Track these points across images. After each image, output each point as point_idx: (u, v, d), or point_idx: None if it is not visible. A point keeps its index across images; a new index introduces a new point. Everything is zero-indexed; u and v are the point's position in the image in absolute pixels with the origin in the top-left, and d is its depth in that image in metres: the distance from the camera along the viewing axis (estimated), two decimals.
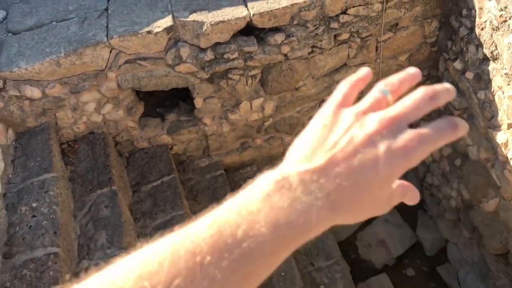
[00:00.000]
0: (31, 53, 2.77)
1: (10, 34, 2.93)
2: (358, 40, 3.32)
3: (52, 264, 2.37)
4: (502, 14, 2.77)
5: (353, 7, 3.07)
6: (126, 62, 2.93)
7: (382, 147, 0.48)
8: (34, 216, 2.56)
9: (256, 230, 0.45)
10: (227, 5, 2.91)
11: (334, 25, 3.11)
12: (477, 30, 3.07)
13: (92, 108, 3.09)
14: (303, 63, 3.31)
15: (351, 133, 0.50)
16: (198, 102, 3.34)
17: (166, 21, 2.84)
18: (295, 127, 3.92)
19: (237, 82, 3.25)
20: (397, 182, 0.54)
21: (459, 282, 4.10)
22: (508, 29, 2.76)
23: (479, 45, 3.09)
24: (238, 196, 0.49)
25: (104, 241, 2.64)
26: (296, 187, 0.47)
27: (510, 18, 2.74)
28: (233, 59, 3.06)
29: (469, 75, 3.26)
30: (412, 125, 0.51)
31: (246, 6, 2.90)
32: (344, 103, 0.54)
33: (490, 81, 3.06)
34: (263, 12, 2.88)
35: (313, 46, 3.21)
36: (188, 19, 2.85)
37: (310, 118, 3.71)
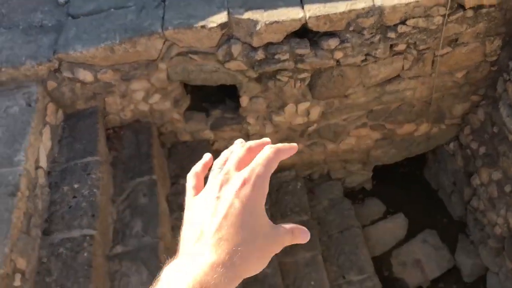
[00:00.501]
0: (88, 38, 2.83)
1: (70, 17, 3.00)
2: (415, 52, 3.21)
3: (88, 245, 2.41)
4: None
5: (413, 18, 2.96)
6: (178, 54, 2.95)
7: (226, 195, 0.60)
8: (74, 196, 2.62)
9: None
10: (283, 5, 2.87)
11: (391, 34, 3.02)
12: None
13: (141, 97, 3.13)
14: (355, 70, 3.24)
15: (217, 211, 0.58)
16: (244, 100, 3.32)
17: (221, 17, 2.84)
18: (339, 135, 3.84)
19: (285, 84, 3.21)
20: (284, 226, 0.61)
21: None
22: None
23: None
24: None
25: (139, 228, 2.66)
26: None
27: None
28: (284, 60, 3.02)
29: None
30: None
31: (303, 8, 2.86)
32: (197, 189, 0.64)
33: None
34: (319, 16, 2.83)
35: (367, 54, 3.12)
36: (243, 17, 2.84)
37: (356, 127, 3.60)
